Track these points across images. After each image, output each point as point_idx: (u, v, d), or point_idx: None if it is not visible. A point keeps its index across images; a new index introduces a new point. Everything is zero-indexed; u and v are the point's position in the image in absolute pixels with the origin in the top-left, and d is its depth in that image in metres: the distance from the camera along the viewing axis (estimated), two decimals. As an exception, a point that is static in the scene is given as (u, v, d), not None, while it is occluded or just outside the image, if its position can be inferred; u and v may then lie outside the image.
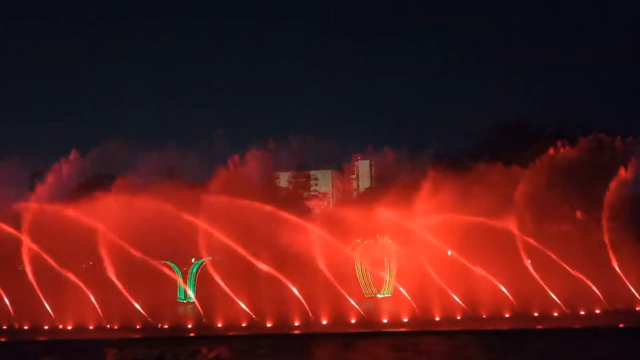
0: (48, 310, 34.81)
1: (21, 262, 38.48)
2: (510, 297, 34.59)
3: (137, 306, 34.92)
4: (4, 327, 34.74)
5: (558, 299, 34.50)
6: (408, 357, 25.12)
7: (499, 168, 37.99)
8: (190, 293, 41.46)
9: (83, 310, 34.99)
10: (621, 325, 30.66)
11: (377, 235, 39.60)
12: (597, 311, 34.00)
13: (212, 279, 37.96)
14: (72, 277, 35.41)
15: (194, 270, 41.52)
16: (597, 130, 38.73)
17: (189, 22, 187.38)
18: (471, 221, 34.28)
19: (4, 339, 32.16)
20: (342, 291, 35.34)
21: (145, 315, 34.66)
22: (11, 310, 35.62)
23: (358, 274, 39.69)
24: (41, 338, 32.14)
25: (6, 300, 36.06)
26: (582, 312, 33.80)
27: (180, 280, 40.04)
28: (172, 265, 39.86)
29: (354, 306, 34.86)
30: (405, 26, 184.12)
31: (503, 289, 34.93)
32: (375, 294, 44.96)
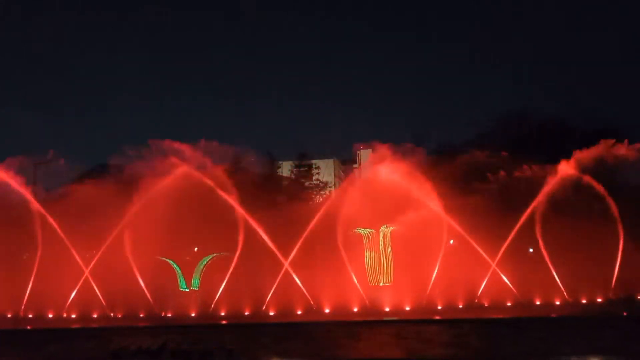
0: (53, 299, 35.10)
1: (25, 250, 38.73)
2: (512, 286, 34.80)
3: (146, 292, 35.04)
4: (9, 315, 34.98)
5: (560, 287, 34.67)
6: (410, 344, 25.23)
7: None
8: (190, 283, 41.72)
9: (87, 298, 35.26)
10: (623, 314, 30.72)
11: (384, 226, 39.68)
12: (599, 300, 34.17)
13: (216, 270, 38.18)
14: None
15: (203, 264, 41.85)
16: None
17: (192, 13, 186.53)
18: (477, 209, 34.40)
19: (8, 327, 32.31)
20: (346, 280, 35.51)
21: (150, 303, 34.93)
22: (16, 298, 35.92)
23: (367, 262, 39.86)
24: (45, 326, 32.28)
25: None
26: (584, 301, 33.96)
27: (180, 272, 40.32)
28: (171, 263, 39.92)
29: (356, 295, 35.02)
30: (406, 17, 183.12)
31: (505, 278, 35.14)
32: (379, 282, 45.14)
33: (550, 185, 35.70)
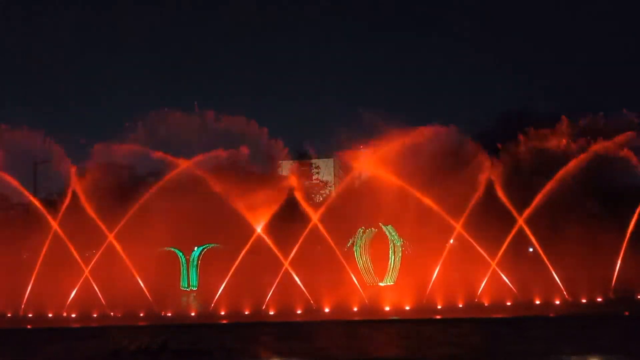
0: (52, 299, 35.13)
1: (25, 250, 38.76)
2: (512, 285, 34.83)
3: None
4: (8, 315, 34.97)
5: (560, 287, 34.70)
6: (410, 344, 25.22)
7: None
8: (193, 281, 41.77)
9: (86, 298, 35.31)
10: (625, 313, 30.70)
11: (380, 224, 39.65)
12: (599, 299, 34.17)
13: (214, 266, 38.19)
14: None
15: (196, 257, 41.72)
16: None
17: (191, 13, 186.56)
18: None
19: (7, 327, 32.30)
20: (346, 279, 35.55)
21: (150, 302, 34.97)
22: (15, 297, 35.94)
23: (358, 262, 39.79)
24: (45, 326, 32.27)
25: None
26: (584, 300, 33.97)
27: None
28: (177, 252, 40.05)
29: (356, 294, 35.03)
30: (406, 17, 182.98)
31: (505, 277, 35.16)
32: (377, 282, 45.12)
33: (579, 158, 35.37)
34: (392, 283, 44.76)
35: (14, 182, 37.42)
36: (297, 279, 35.06)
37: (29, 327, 32.44)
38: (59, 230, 36.10)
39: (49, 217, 36.47)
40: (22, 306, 35.48)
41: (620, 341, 24.29)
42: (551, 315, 31.22)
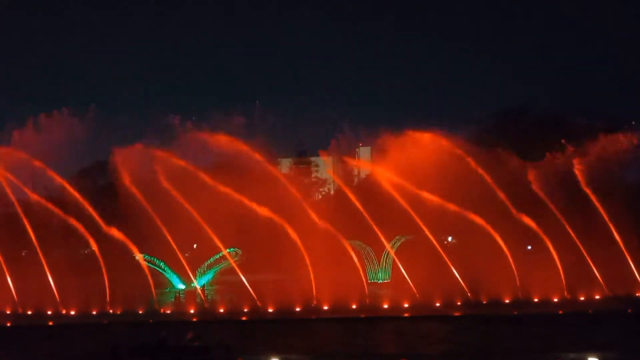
0: (52, 295, 35.15)
1: (24, 247, 38.76)
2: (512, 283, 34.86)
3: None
4: (8, 312, 34.95)
5: (559, 284, 34.71)
6: (409, 340, 25.29)
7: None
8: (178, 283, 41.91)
9: (86, 295, 35.31)
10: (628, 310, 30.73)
11: None
12: (597, 297, 34.18)
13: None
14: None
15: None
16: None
17: (189, 10, 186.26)
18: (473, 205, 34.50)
19: (7, 324, 32.29)
20: (344, 277, 35.55)
21: (150, 300, 35.11)
22: (15, 295, 35.95)
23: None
24: (45, 323, 32.28)
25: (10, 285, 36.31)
26: (582, 298, 33.98)
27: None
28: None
29: (355, 292, 35.02)
30: (406, 16, 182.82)
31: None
32: (377, 279, 45.26)
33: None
34: (388, 280, 44.97)
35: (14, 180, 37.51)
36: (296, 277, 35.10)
37: (28, 324, 32.42)
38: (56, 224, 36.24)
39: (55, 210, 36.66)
40: (22, 304, 35.44)
41: (617, 338, 24.38)
42: (550, 312, 31.21)
